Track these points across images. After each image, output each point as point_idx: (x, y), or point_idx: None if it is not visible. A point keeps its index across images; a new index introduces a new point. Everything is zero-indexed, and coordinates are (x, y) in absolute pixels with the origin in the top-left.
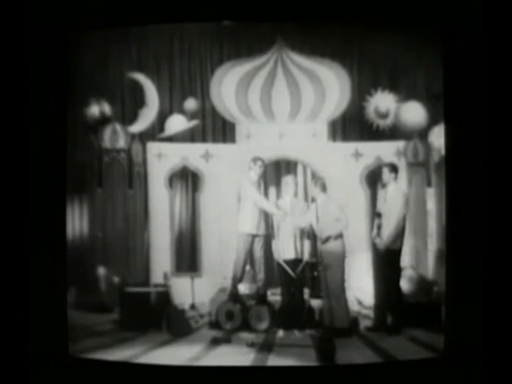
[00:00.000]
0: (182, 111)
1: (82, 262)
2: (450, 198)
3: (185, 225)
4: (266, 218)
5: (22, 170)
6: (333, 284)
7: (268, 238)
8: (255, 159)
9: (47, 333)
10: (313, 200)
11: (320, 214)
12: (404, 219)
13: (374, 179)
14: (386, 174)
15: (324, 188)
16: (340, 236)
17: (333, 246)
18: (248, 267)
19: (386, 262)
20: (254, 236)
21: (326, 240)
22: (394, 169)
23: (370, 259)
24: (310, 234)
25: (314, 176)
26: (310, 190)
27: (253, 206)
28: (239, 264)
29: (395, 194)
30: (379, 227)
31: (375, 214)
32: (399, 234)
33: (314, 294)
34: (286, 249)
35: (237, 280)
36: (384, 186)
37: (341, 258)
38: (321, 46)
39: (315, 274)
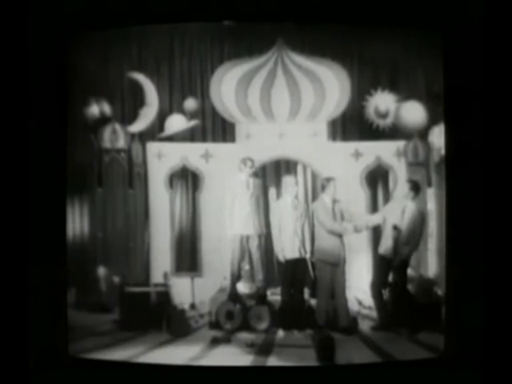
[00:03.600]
0: (181, 111)
1: (82, 262)
2: (450, 198)
3: (185, 225)
4: (259, 217)
5: (21, 170)
6: (339, 283)
7: (266, 238)
8: (244, 160)
9: (47, 333)
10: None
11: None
12: None
13: (374, 179)
14: (405, 191)
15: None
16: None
17: (333, 243)
18: (247, 267)
19: (397, 267)
20: (246, 236)
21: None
22: (415, 187)
23: (371, 259)
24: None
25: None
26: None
27: (242, 206)
28: (234, 264)
29: (416, 213)
30: (396, 240)
31: (392, 227)
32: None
33: (315, 294)
34: (288, 248)
35: (234, 279)
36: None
37: (343, 256)
38: (321, 46)
39: (315, 273)
